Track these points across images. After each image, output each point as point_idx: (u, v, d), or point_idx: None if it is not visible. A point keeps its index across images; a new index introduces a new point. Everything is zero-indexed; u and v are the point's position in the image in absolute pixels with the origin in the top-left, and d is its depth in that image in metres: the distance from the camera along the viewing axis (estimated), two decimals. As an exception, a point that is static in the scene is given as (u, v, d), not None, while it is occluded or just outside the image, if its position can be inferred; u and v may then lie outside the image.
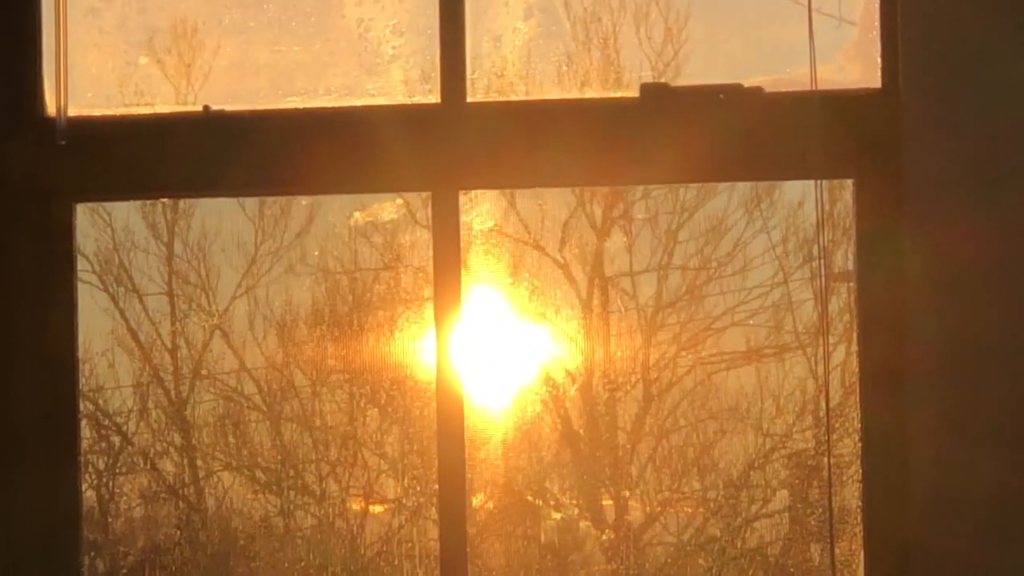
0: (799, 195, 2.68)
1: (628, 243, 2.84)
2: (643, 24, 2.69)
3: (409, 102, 2.45)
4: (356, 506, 2.93)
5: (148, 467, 2.99)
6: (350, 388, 2.86)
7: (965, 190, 2.30)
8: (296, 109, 2.39)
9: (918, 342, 2.33)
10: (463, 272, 2.41)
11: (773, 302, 2.73)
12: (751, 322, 2.79)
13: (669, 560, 2.92)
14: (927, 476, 2.37)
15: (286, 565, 2.99)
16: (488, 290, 2.74)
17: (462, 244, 2.40)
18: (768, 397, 2.82)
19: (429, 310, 2.50)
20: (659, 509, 2.88)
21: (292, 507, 3.01)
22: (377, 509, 3.01)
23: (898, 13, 2.33)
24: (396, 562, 2.82)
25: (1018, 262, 2.35)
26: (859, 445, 2.38)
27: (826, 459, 2.56)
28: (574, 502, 2.89)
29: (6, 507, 2.36)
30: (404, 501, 2.78)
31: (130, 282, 2.75)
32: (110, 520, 2.76)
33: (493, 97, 2.51)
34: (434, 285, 2.31)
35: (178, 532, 2.87)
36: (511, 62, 2.60)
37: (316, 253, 2.75)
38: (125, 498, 2.92)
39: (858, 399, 2.47)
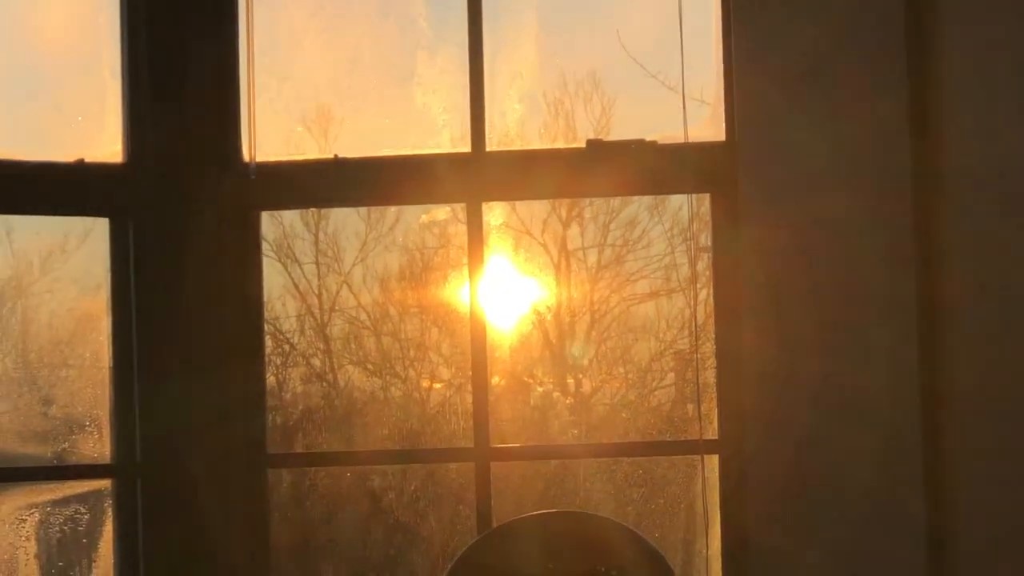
0: (680, 202, 2.51)
1: (581, 231, 2.72)
2: (588, 103, 2.58)
3: (453, 151, 2.35)
4: (425, 384, 2.81)
5: (304, 363, 3.02)
6: (421, 316, 2.79)
7: (776, 200, 2.11)
8: (389, 156, 2.31)
9: (749, 288, 2.28)
10: (485, 248, 2.25)
11: (664, 264, 2.68)
12: (654, 276, 2.75)
13: (606, 414, 2.85)
14: (754, 365, 2.22)
15: (385, 419, 2.77)
16: (500, 258, 2.71)
17: (484, 232, 2.26)
18: (662, 319, 2.78)
19: (466, 270, 2.56)
20: (600, 384, 2.85)
21: (388, 385, 2.89)
22: (437, 386, 2.82)
23: (734, 100, 2.10)
24: (448, 416, 2.70)
25: (805, 237, 2.05)
26: (714, 347, 2.23)
27: (695, 355, 2.58)
28: (550, 381, 2.86)
29: (223, 386, 2.18)
30: (452, 381, 2.71)
31: (293, 256, 2.70)
32: (283, 394, 2.72)
33: (502, 148, 2.32)
34: (468, 256, 2.22)
35: (322, 400, 2.82)
36: (511, 127, 2.39)
37: (400, 238, 2.55)
38: (291, 381, 2.82)
39: (714, 321, 2.22)
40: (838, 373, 2.10)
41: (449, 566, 2.10)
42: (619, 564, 2.11)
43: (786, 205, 2.08)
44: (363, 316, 2.78)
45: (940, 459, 2.10)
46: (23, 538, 2.21)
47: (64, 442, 2.22)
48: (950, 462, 2.10)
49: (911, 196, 2.04)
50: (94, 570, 2.29)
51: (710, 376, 2.27)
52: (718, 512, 2.21)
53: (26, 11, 2.19)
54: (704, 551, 2.27)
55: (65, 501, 2.23)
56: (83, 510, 2.24)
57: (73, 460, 2.25)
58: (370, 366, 2.85)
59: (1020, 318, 2.05)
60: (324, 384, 2.85)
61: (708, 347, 2.32)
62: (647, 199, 2.60)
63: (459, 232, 2.47)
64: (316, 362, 2.88)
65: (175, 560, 2.18)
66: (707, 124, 2.27)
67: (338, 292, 2.74)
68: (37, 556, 2.24)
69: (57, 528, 2.24)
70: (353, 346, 2.84)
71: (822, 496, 2.09)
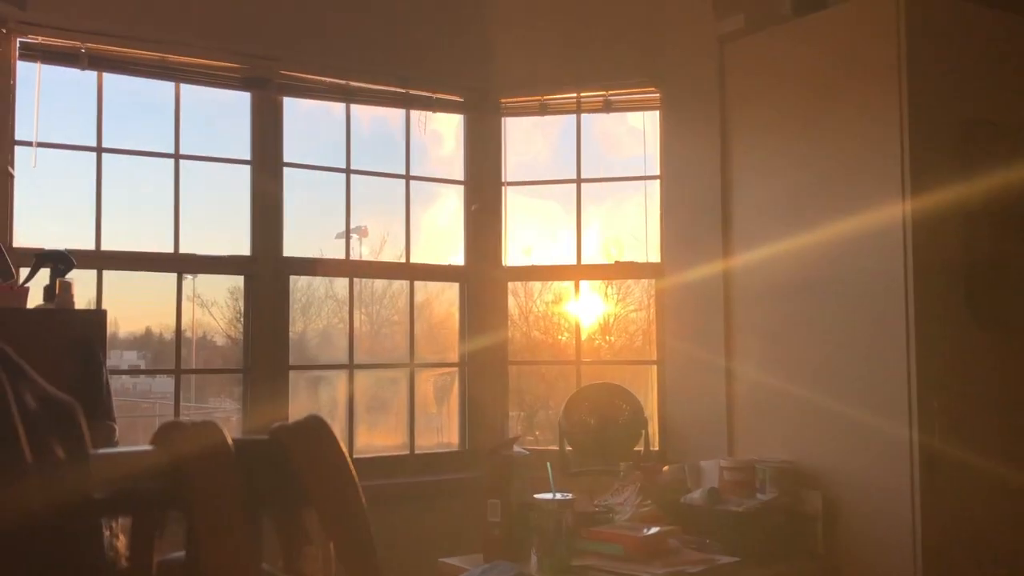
0: (647, 281, 4.26)
1: (613, 288, 4.49)
2: (614, 247, 4.13)
3: (571, 264, 4.12)
4: (560, 337, 4.41)
5: (519, 327, 4.39)
6: (558, 311, 4.52)
7: (676, 279, 4.51)
8: (550, 265, 4.33)
9: (667, 308, 3.99)
10: (578, 294, 4.18)
11: (639, 299, 4.37)
12: (638, 303, 4.34)
13: (618, 350, 4.49)
14: (671, 335, 4.17)
15: (547, 349, 4.41)
16: (586, 297, 4.30)
17: (579, 288, 4.31)
18: (640, 318, 4.35)
19: (574, 301, 4.16)
20: (618, 340, 4.50)
21: (548, 336, 4.45)
22: (562, 338, 4.34)
23: (664, 246, 4.04)
24: (568, 348, 4.31)
25: (685, 289, 4.06)
26: (655, 327, 4.19)
27: (650, 330, 4.38)
28: (601, 338, 4.52)
29: (493, 338, 4.46)
30: (569, 336, 4.32)
31: (517, 293, 4.32)
32: (511, 336, 4.50)
33: (585, 263, 4.16)
34: (575, 295, 4.11)
35: (525, 340, 4.46)
36: (589, 254, 4.15)
37: (550, 291, 4.38)
38: (515, 333, 4.31)
39: (656, 319, 4.22)
40: (697, 356, 3.92)
41: (568, 398, 3.85)
42: (626, 402, 3.81)
43: (677, 278, 4.03)
44: (539, 312, 4.46)
45: (731, 387, 3.85)
46: (429, 387, 4.33)
47: (438, 353, 4.85)
48: (734, 387, 3.81)
49: (723, 277, 4.12)
50: (449, 405, 4.30)
51: (654, 335, 4.17)
52: (655, 387, 4.12)
53: (434, 212, 4.56)
54: (652, 403, 4.10)
55: (441, 375, 4.33)
56: (448, 379, 4.29)
57: (442, 360, 4.55)
58: (539, 331, 4.55)
59: (769, 347, 3.62)
60: (526, 335, 4.48)
61: (653, 327, 4.19)
62: (634, 280, 4.37)
63: (571, 287, 4.36)
64: (523, 327, 4.48)
65: (482, 397, 4.33)
66: (655, 255, 4.20)
67: (531, 303, 4.46)
68: (433, 394, 4.42)
69: (440, 384, 4.30)
70: (535, 322, 4.50)
71: (690, 382, 3.92)
